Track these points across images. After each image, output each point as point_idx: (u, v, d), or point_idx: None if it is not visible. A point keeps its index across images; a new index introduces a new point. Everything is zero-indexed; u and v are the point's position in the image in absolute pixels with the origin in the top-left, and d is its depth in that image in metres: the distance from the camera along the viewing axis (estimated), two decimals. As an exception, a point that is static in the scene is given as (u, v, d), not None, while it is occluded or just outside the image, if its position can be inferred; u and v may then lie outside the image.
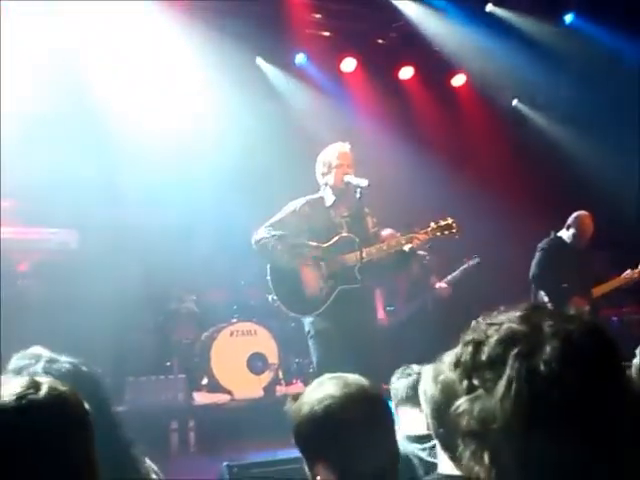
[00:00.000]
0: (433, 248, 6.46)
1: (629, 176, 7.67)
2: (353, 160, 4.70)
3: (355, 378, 1.75)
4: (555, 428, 1.01)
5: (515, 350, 1.04)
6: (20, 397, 1.30)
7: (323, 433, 1.65)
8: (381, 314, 6.69)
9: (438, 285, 6.61)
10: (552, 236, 6.09)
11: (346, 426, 1.64)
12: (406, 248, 4.57)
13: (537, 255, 6.01)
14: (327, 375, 1.78)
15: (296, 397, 1.77)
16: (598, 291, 5.91)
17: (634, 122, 7.59)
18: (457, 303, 6.65)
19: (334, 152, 4.70)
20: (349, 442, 1.63)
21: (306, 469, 1.71)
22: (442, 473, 1.96)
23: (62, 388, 1.36)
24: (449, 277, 6.69)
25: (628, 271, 5.95)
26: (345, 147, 4.74)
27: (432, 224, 4.64)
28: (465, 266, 6.68)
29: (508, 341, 1.06)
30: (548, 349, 1.02)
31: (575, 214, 6.05)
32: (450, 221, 4.65)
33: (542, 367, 1.01)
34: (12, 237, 6.32)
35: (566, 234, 6.06)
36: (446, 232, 4.63)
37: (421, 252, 6.55)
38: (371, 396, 1.72)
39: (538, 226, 6.31)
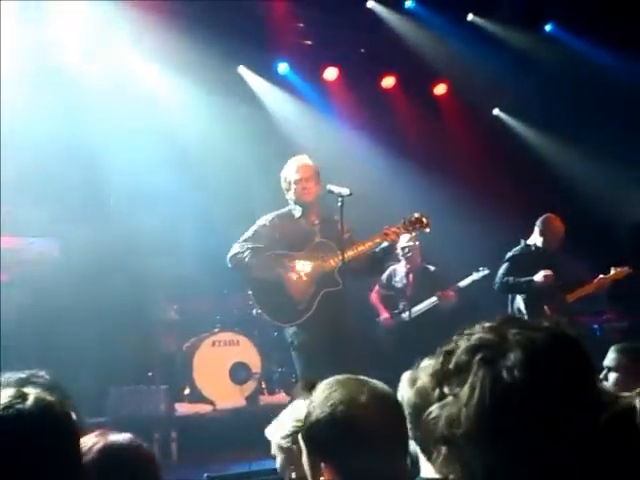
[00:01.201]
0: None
1: (610, 181, 7.74)
2: (313, 171, 4.75)
3: (382, 386, 1.69)
4: (517, 434, 1.02)
5: (478, 356, 1.06)
6: (7, 407, 1.29)
7: (340, 437, 1.58)
8: (385, 315, 6.72)
9: (445, 292, 6.65)
10: (522, 244, 6.02)
11: (367, 435, 1.58)
12: (384, 246, 4.63)
13: (503, 264, 5.95)
14: (350, 376, 1.71)
15: (311, 386, 1.70)
16: (572, 296, 5.81)
17: (614, 128, 7.68)
18: (461, 310, 6.73)
19: (293, 167, 4.80)
20: (366, 451, 1.57)
21: (305, 462, 1.66)
22: (424, 477, 1.95)
23: (49, 398, 1.36)
24: (456, 285, 6.74)
25: (600, 276, 5.84)
26: (303, 160, 4.82)
27: (403, 220, 4.71)
28: (474, 277, 6.75)
29: (474, 349, 1.08)
30: (512, 357, 1.04)
31: (542, 217, 5.96)
32: (419, 215, 4.73)
33: (505, 374, 1.03)
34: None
35: (536, 239, 5.97)
36: (417, 226, 4.71)
37: (432, 266, 6.67)
38: (395, 407, 1.68)
39: (522, 231, 6.30)
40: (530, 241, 6.02)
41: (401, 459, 1.67)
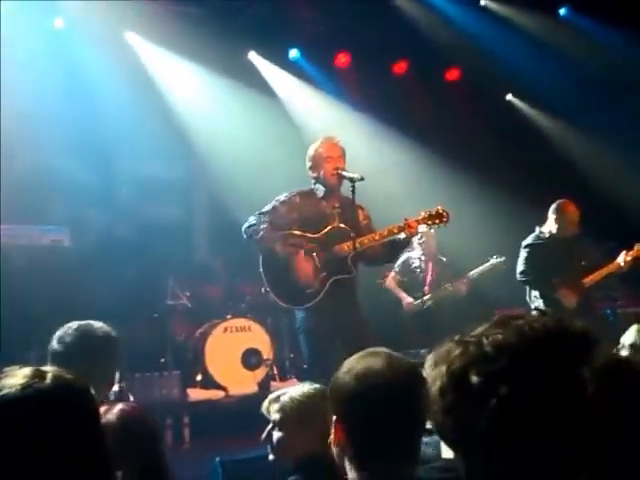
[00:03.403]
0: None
1: (629, 166, 7.66)
2: (342, 151, 4.69)
3: (401, 357, 1.76)
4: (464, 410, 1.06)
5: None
6: (25, 386, 1.29)
7: (353, 404, 1.66)
8: (409, 300, 6.78)
9: (459, 281, 6.69)
10: (536, 232, 5.96)
11: (380, 402, 1.64)
12: (400, 237, 4.58)
13: (521, 253, 5.90)
14: (375, 349, 1.79)
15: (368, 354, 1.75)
16: (590, 280, 5.75)
17: (629, 113, 7.59)
18: (476, 297, 6.77)
19: (321, 145, 4.70)
20: (377, 419, 1.64)
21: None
22: (444, 457, 1.98)
23: (68, 376, 1.35)
24: (471, 273, 6.75)
25: (623, 252, 5.73)
26: (332, 140, 4.73)
27: (422, 212, 4.65)
28: (485, 267, 6.73)
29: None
30: (485, 340, 1.08)
31: (556, 203, 5.88)
32: (440, 209, 4.66)
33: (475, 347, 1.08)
34: (5, 234, 6.30)
35: (551, 226, 5.90)
36: (437, 220, 4.65)
37: (443, 257, 6.70)
38: (413, 378, 1.69)
39: (538, 218, 6.24)
40: (545, 228, 5.94)
41: (414, 432, 1.71)
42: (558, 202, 5.90)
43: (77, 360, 2.52)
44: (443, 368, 1.09)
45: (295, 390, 2.49)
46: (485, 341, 1.07)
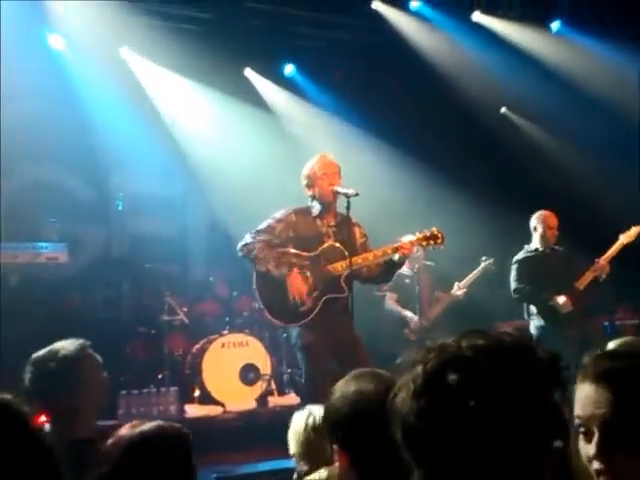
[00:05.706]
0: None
1: (618, 182, 7.69)
2: (338, 168, 4.71)
3: (392, 377, 1.75)
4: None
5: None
6: None
7: (349, 428, 1.66)
8: (416, 319, 6.74)
9: (454, 289, 6.77)
10: (524, 249, 6.03)
11: (375, 424, 1.61)
12: (395, 258, 4.58)
13: (512, 270, 5.95)
14: (366, 370, 1.80)
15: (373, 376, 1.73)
16: (582, 282, 5.74)
17: (621, 128, 7.62)
18: (473, 304, 6.83)
19: (317, 163, 4.70)
20: (373, 440, 1.63)
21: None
22: None
23: (3, 395, 1.36)
24: (463, 281, 6.82)
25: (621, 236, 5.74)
26: (327, 157, 4.74)
27: (417, 233, 4.66)
28: (477, 270, 6.83)
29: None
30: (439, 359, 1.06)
31: (534, 215, 5.97)
32: (435, 231, 4.67)
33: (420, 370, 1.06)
34: (1, 252, 6.29)
35: (535, 238, 5.98)
36: (432, 242, 4.66)
37: (429, 262, 6.72)
38: None
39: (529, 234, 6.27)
40: (532, 244, 6.02)
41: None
42: (537, 213, 5.99)
43: (39, 394, 2.37)
44: (418, 369, 1.05)
45: None
46: (463, 344, 1.05)
